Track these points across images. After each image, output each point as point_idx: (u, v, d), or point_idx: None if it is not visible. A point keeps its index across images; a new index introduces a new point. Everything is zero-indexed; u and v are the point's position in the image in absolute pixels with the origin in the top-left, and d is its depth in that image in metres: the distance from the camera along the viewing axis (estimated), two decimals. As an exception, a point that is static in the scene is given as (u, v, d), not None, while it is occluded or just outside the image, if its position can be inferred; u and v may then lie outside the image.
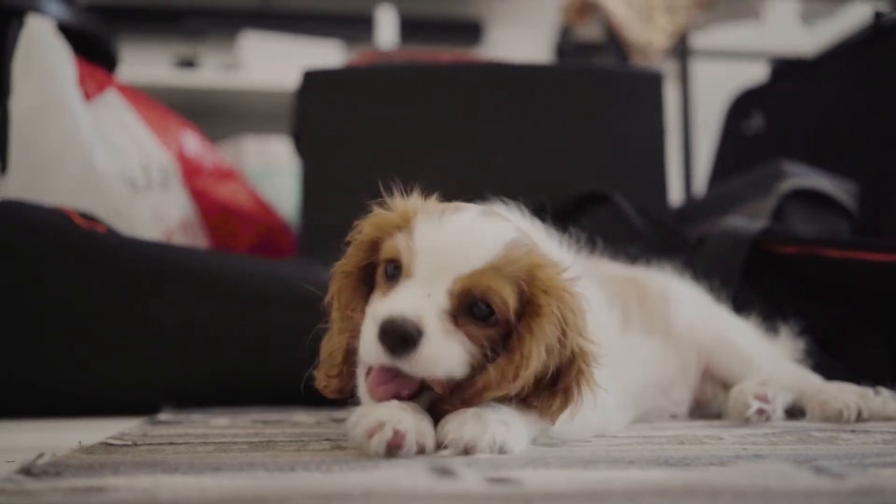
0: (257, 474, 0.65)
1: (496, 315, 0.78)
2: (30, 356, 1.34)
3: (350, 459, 0.72)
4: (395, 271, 0.81)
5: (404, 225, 0.82)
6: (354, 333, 0.83)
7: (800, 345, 1.21)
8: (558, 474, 0.63)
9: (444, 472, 0.58)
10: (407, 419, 0.74)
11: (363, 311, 0.83)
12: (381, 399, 0.78)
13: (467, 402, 0.78)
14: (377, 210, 0.87)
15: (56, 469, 0.65)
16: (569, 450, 0.78)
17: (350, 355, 0.86)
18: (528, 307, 0.80)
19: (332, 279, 0.89)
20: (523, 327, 0.79)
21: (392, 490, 0.53)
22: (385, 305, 0.77)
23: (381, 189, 0.87)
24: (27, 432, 1.16)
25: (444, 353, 0.76)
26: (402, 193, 0.87)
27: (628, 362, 1.00)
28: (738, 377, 1.12)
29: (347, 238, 0.88)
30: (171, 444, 0.85)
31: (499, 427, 0.75)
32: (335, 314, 0.88)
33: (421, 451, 0.74)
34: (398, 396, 0.78)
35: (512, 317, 0.79)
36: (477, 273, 0.77)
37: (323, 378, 0.89)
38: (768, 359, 1.14)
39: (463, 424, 0.74)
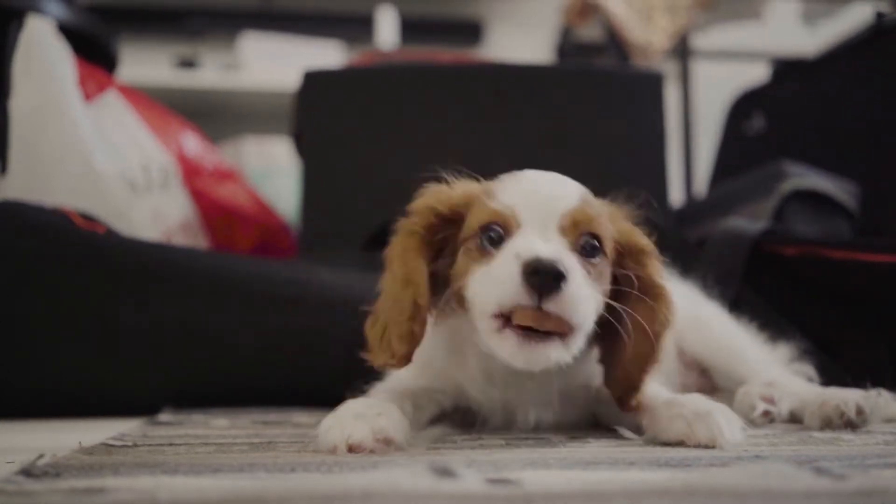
0: (257, 475, 0.65)
1: (602, 248, 0.82)
2: (30, 357, 1.34)
3: (350, 460, 0.72)
4: (497, 236, 0.81)
5: (470, 200, 0.85)
6: (418, 291, 0.82)
7: (798, 364, 1.17)
8: (558, 475, 0.63)
9: (445, 472, 0.58)
10: (359, 429, 0.75)
11: (423, 274, 0.83)
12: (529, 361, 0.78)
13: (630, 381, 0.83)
14: (438, 186, 0.88)
15: (56, 470, 0.65)
16: (569, 450, 0.78)
17: (418, 312, 0.83)
18: (629, 252, 0.85)
19: (394, 236, 0.87)
20: (635, 270, 0.83)
21: (392, 490, 0.53)
22: (524, 246, 0.77)
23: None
24: (27, 433, 1.16)
25: (585, 293, 0.77)
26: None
27: None
28: (709, 360, 1.12)
29: (409, 207, 0.88)
30: (171, 444, 0.85)
31: (722, 421, 0.77)
32: (399, 269, 0.84)
33: (388, 444, 0.75)
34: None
35: (612, 254, 0.83)
36: (578, 208, 0.81)
37: (386, 349, 0.84)
38: (760, 358, 1.11)
39: (692, 424, 0.77)
